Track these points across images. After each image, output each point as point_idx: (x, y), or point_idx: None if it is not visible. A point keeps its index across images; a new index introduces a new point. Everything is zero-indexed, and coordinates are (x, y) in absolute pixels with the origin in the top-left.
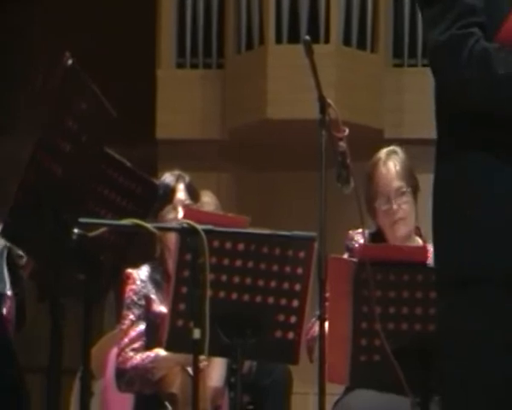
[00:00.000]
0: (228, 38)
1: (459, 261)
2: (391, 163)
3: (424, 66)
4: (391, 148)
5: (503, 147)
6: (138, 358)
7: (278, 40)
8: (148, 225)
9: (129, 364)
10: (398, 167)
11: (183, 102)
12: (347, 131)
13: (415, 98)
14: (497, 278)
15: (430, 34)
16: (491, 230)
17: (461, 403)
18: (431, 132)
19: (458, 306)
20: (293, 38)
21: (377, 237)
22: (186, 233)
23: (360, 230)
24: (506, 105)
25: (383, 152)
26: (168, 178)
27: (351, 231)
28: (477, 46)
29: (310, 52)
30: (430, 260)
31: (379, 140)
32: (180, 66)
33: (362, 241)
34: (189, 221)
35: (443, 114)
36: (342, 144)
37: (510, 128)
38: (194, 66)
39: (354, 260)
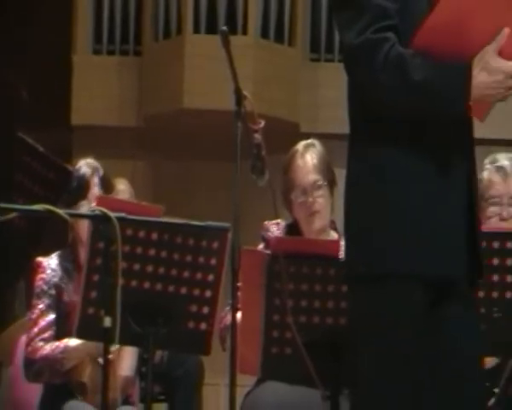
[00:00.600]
0: (145, 25)
1: (369, 256)
2: (308, 156)
3: (341, 61)
4: (309, 141)
5: (415, 145)
6: (48, 348)
7: (196, 30)
8: (60, 212)
9: (38, 354)
10: (315, 160)
11: (99, 88)
12: (263, 123)
13: (331, 93)
14: (406, 272)
15: (344, 36)
16: (401, 225)
17: (372, 395)
18: (347, 127)
19: (369, 300)
20: (211, 28)
21: (293, 228)
22: (98, 220)
23: (276, 221)
24: (421, 110)
25: (301, 144)
26: (83, 169)
27: (266, 222)
28: (392, 51)
29: (227, 43)
30: (342, 254)
31: (295, 134)
32: (97, 52)
33: (277, 232)
34: (101, 208)
35: (356, 112)
36: (257, 136)
37: (423, 129)
38: (110, 52)
39: (267, 252)
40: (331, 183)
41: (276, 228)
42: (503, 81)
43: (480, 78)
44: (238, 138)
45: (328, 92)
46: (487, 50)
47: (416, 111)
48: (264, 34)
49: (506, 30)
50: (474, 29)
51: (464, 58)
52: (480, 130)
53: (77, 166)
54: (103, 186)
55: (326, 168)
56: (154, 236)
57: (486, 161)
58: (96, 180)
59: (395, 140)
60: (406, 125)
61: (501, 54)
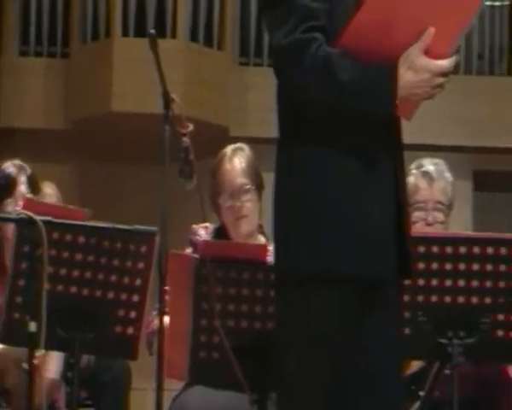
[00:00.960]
0: (73, 27)
1: (296, 259)
2: (236, 160)
3: (270, 66)
4: (237, 145)
5: (344, 147)
6: None
7: (125, 33)
8: None
9: None
10: (243, 164)
11: (25, 90)
12: (191, 127)
13: (260, 97)
14: (335, 277)
15: (273, 37)
16: (328, 227)
17: (298, 396)
18: (276, 131)
19: (296, 302)
20: (140, 31)
21: (221, 232)
22: (24, 224)
23: (204, 224)
24: (348, 110)
25: (229, 148)
26: (9, 168)
27: (194, 226)
28: (320, 51)
29: (155, 46)
30: (270, 259)
31: (224, 137)
32: (23, 53)
33: (205, 236)
34: (27, 212)
35: (285, 114)
36: (186, 140)
37: (351, 130)
38: (38, 54)
39: (195, 256)
40: (259, 187)
41: (204, 232)
42: (429, 80)
43: (407, 77)
44: (166, 142)
45: (258, 96)
46: (413, 49)
47: (342, 111)
48: (194, 38)
49: (431, 29)
50: (400, 28)
51: (391, 57)
52: (406, 135)
53: (3, 166)
54: (30, 186)
55: (254, 172)
56: (81, 240)
57: (412, 166)
58: (22, 178)
59: (322, 141)
60: (333, 126)
61: (427, 53)
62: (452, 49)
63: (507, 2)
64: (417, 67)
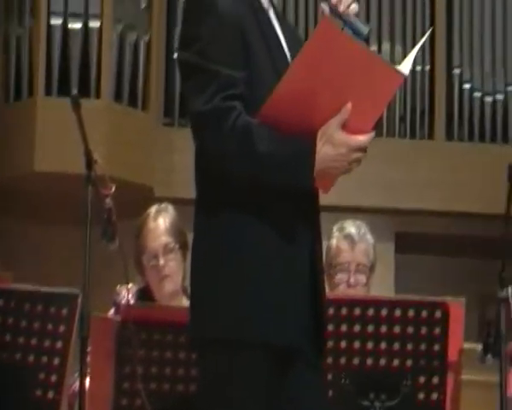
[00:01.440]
0: None
1: (214, 323)
2: (160, 219)
3: None
4: (162, 205)
5: (261, 214)
6: None
7: (48, 92)
8: None
9: None
10: (167, 224)
11: None
12: (114, 188)
13: (185, 158)
14: (251, 340)
15: (192, 104)
16: (245, 292)
17: None
18: None
19: (216, 366)
20: (64, 91)
21: (145, 293)
22: None
23: (128, 285)
24: (266, 181)
25: (153, 208)
26: None
27: (118, 286)
28: (239, 120)
29: (77, 108)
30: None
31: (149, 198)
32: None
33: (129, 297)
34: None
35: (203, 177)
36: (108, 201)
37: (268, 197)
38: None
39: (117, 318)
40: (183, 246)
41: (127, 293)
42: (346, 154)
43: (325, 150)
44: (89, 203)
45: (182, 157)
46: (331, 124)
47: (260, 181)
48: (118, 98)
49: (349, 104)
50: (320, 102)
51: (311, 130)
52: (328, 197)
53: None
54: None
55: (178, 231)
56: (1, 303)
57: (334, 228)
58: None
59: (239, 207)
60: (251, 193)
61: (345, 127)
62: (371, 125)
63: (427, 67)
64: (335, 142)
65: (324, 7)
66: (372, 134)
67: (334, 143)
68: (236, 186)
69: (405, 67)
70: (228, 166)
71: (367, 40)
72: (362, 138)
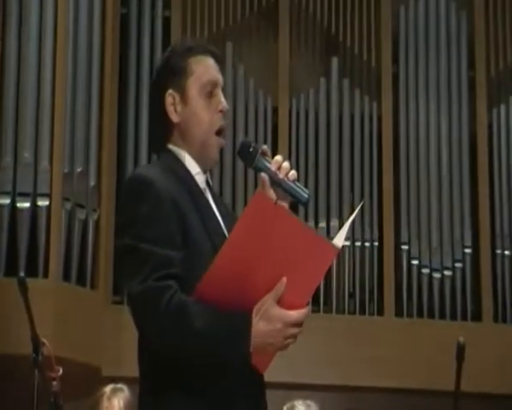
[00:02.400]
0: None
1: None
2: (115, 399)
3: None
4: (117, 385)
5: (200, 392)
6: None
7: None
8: None
9: None
10: (121, 404)
11: None
12: (61, 370)
13: (134, 336)
14: None
15: (128, 284)
16: None
17: None
18: None
19: None
20: (12, 271)
21: None
22: None
23: None
24: (202, 356)
25: (108, 387)
26: None
27: None
28: (174, 298)
29: (24, 290)
30: None
31: (97, 377)
32: None
33: None
34: None
35: (143, 356)
36: (55, 384)
37: (208, 374)
38: None
39: None
40: None
41: None
42: (282, 330)
43: (260, 326)
44: (35, 386)
45: (131, 335)
46: (267, 299)
47: (197, 357)
48: (66, 277)
49: (284, 279)
50: (255, 278)
51: (247, 306)
52: (278, 374)
53: None
54: None
55: None
56: None
57: (285, 407)
58: None
59: (180, 384)
60: (190, 369)
61: (281, 303)
62: (306, 300)
63: (376, 244)
64: (270, 317)
65: (264, 175)
66: (308, 309)
67: (269, 318)
68: (176, 364)
69: (339, 239)
70: (165, 344)
71: (306, 204)
72: (297, 314)
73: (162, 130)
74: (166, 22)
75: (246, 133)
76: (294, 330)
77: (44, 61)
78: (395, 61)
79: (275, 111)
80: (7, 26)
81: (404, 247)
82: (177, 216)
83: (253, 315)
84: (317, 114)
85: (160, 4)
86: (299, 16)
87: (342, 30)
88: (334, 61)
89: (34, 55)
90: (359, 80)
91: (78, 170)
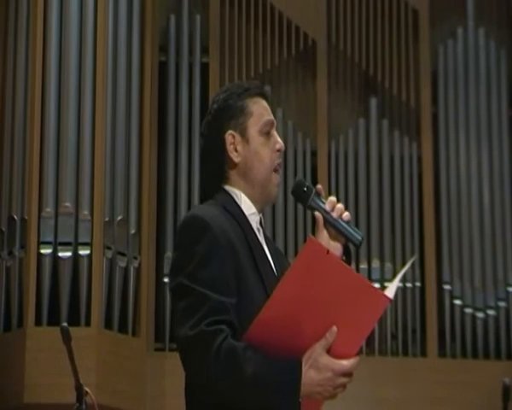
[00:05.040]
0: None
1: None
2: None
3: None
4: None
5: None
6: None
7: (38, 322)
8: None
9: None
10: None
11: None
12: None
13: (177, 382)
14: None
15: (179, 328)
16: None
17: None
18: None
19: None
20: (54, 320)
21: None
22: None
23: None
24: (252, 403)
25: None
26: None
27: None
28: (225, 344)
29: (67, 339)
30: None
31: None
32: None
33: None
34: None
35: (191, 401)
36: None
37: None
38: None
39: None
40: None
41: None
42: (331, 379)
43: (309, 375)
44: None
45: (174, 381)
46: (316, 348)
47: (247, 404)
48: (108, 325)
49: (334, 328)
50: (305, 324)
51: (297, 353)
52: None
53: None
54: None
55: None
56: None
57: None
58: None
59: None
60: None
61: (330, 351)
62: (356, 349)
63: (418, 284)
64: (320, 366)
65: (318, 215)
66: (357, 359)
67: (319, 367)
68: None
69: (391, 290)
70: (216, 390)
71: (359, 246)
72: (347, 363)
73: (218, 171)
74: (205, 68)
75: (285, 176)
76: (344, 380)
77: (84, 110)
78: (434, 100)
79: (314, 153)
80: (47, 79)
81: (447, 287)
82: (232, 260)
83: (303, 364)
84: (356, 155)
85: (197, 51)
86: (337, 58)
87: (381, 70)
88: (373, 101)
89: (74, 106)
90: (398, 121)
91: (119, 218)
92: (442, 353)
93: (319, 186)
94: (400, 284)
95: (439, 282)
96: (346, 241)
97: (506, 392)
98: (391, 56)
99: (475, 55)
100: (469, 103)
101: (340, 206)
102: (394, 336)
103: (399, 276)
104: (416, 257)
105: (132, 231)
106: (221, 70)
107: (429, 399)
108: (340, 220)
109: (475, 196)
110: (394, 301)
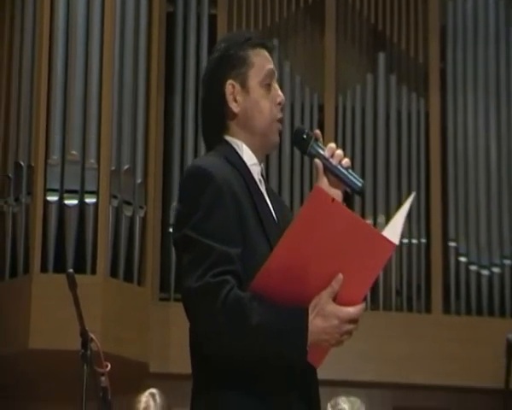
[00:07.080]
0: None
1: None
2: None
3: None
4: (152, 390)
5: (254, 386)
6: None
7: (43, 269)
8: None
9: None
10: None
11: None
12: (109, 366)
13: (181, 332)
14: None
15: (185, 280)
16: None
17: None
18: None
19: None
20: (60, 267)
21: None
22: None
23: None
24: (258, 353)
25: (144, 395)
26: None
27: None
28: (231, 295)
29: (73, 286)
30: None
31: (144, 374)
32: None
33: None
34: None
35: (197, 354)
36: (104, 380)
37: (264, 375)
38: None
39: None
40: None
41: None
42: (337, 326)
43: (316, 322)
44: (84, 381)
45: (179, 331)
46: (323, 296)
47: (254, 354)
48: (114, 273)
49: (340, 276)
50: (311, 273)
51: (303, 302)
52: (323, 371)
53: None
54: None
55: None
56: None
57: (329, 405)
58: None
59: (235, 381)
60: (246, 366)
61: (336, 299)
62: (362, 296)
63: (423, 241)
64: (326, 314)
65: (318, 162)
66: (363, 305)
67: (325, 315)
68: (231, 367)
69: (395, 235)
70: (222, 341)
71: (361, 193)
72: (353, 310)
73: (218, 121)
74: (212, 20)
75: (291, 131)
76: (350, 327)
77: (91, 60)
78: (443, 56)
79: (321, 108)
80: (54, 29)
81: (452, 244)
82: (236, 209)
83: (310, 312)
84: (363, 110)
85: (206, 2)
86: (346, 12)
87: (389, 26)
88: (381, 57)
89: (81, 54)
90: (406, 76)
91: (125, 167)
92: (447, 309)
93: (317, 131)
94: (406, 240)
95: (445, 239)
96: (346, 188)
97: (510, 348)
98: (400, 11)
99: (485, 11)
100: (478, 60)
101: (339, 152)
102: (399, 292)
103: (402, 219)
104: (414, 194)
105: (139, 181)
106: (229, 22)
107: (433, 355)
108: (339, 167)
109: (482, 153)
110: (399, 257)
